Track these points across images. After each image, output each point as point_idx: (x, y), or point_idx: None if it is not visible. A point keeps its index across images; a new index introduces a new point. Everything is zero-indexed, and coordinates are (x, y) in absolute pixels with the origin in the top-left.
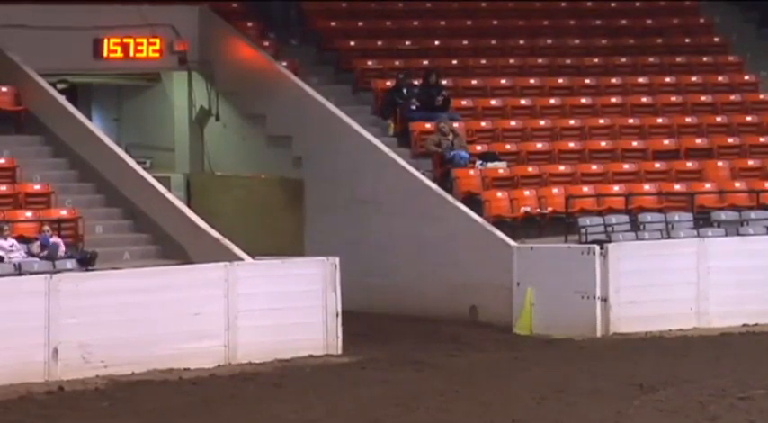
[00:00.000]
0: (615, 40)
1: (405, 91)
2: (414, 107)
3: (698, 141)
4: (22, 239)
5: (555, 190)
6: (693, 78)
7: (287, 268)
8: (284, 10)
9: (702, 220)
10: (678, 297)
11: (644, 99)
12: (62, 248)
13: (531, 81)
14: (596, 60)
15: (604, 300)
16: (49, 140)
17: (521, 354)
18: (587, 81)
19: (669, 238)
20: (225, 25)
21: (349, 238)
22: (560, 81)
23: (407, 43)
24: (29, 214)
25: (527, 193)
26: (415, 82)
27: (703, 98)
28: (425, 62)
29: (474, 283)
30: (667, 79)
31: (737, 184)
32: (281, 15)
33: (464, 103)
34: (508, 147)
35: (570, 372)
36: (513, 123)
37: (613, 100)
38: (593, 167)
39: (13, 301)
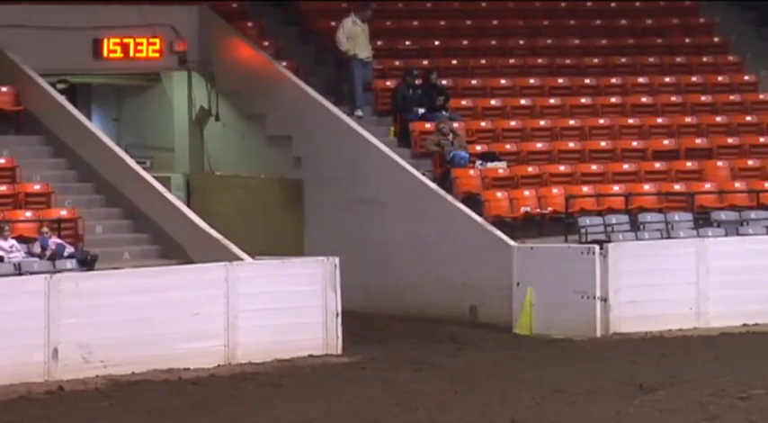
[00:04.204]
0: (615, 40)
1: (410, 91)
2: (420, 112)
3: (698, 141)
4: (21, 240)
5: (555, 190)
6: (693, 78)
7: (287, 268)
8: (364, 79)
9: (702, 220)
10: (678, 297)
11: (644, 99)
12: (69, 248)
13: (531, 81)
14: (596, 60)
15: (604, 300)
16: (49, 140)
17: (520, 354)
18: (587, 81)
19: (669, 238)
20: (225, 25)
21: (349, 238)
22: (560, 81)
23: (407, 43)
24: (29, 214)
25: (527, 192)
26: (417, 82)
27: (703, 98)
28: (425, 62)
29: (474, 283)
30: (667, 79)
31: (737, 184)
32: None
33: (464, 103)
34: (508, 147)
35: (570, 372)
36: (512, 123)
37: (613, 100)
38: (593, 167)
39: (13, 301)
